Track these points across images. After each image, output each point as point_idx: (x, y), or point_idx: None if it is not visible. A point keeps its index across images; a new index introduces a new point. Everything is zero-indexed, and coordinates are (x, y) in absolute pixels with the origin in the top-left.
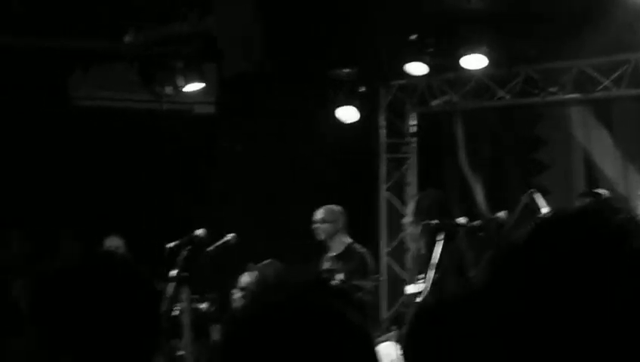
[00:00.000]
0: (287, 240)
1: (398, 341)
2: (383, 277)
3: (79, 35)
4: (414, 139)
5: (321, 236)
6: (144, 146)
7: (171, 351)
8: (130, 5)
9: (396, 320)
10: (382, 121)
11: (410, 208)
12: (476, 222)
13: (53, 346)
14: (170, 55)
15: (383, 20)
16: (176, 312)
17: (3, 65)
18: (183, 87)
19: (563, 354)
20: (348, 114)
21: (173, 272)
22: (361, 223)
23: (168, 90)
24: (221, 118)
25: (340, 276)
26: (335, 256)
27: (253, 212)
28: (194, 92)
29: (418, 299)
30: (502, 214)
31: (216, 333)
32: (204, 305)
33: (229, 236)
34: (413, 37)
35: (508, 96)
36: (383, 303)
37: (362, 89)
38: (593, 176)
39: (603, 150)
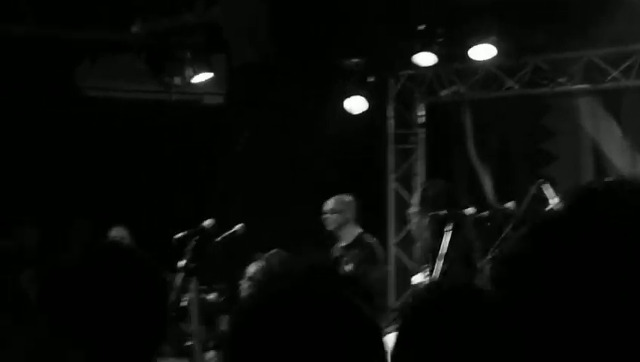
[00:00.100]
0: (295, 231)
1: (396, 329)
2: (391, 267)
3: (87, 25)
4: (422, 130)
5: (330, 226)
6: (153, 137)
7: (180, 341)
8: None
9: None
10: (390, 112)
11: (415, 198)
12: (484, 213)
13: (63, 335)
14: (178, 45)
15: (392, 10)
16: (184, 303)
17: (11, 55)
18: (192, 77)
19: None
20: (356, 104)
21: (182, 263)
22: (369, 214)
23: (177, 80)
24: (230, 109)
25: (349, 266)
26: (345, 246)
27: (262, 202)
28: (203, 82)
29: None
30: (510, 205)
31: (224, 324)
32: (212, 296)
33: (237, 226)
34: (422, 27)
35: (516, 87)
36: (391, 293)
37: (371, 79)
38: (601, 167)
39: (611, 141)
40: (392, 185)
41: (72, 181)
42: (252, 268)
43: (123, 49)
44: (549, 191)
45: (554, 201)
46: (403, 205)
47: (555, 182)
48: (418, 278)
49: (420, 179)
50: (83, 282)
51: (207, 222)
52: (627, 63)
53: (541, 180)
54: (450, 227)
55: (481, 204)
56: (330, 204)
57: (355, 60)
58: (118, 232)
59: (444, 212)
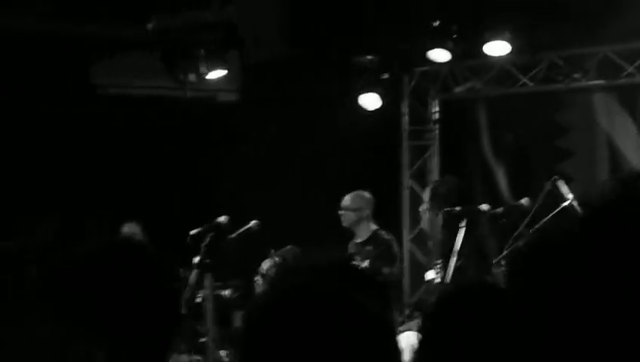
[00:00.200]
0: (310, 227)
1: (419, 330)
2: (405, 263)
3: (103, 22)
4: (437, 126)
5: (346, 223)
6: (167, 134)
7: (194, 337)
8: None
9: (418, 307)
10: (404, 108)
11: (426, 195)
12: (499, 209)
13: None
14: (193, 42)
15: (406, 7)
16: (199, 299)
17: (27, 53)
18: (206, 74)
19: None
20: (371, 101)
21: (196, 259)
22: (384, 210)
23: (191, 77)
24: (244, 106)
25: (364, 262)
26: (360, 242)
27: (276, 198)
28: (217, 79)
29: (437, 285)
30: (524, 201)
31: (239, 320)
32: (227, 292)
33: (252, 223)
34: (436, 24)
35: (531, 83)
36: (406, 289)
37: (385, 76)
38: (617, 163)
39: (627, 137)
40: (407, 182)
41: (87, 178)
42: (266, 265)
43: (138, 46)
44: (563, 187)
45: (569, 197)
46: (417, 201)
47: (570, 179)
48: (431, 274)
49: (434, 175)
50: (93, 279)
51: (222, 219)
52: None
53: (556, 176)
54: (464, 223)
55: (495, 200)
56: (347, 200)
57: (369, 57)
58: (130, 228)
59: (459, 208)
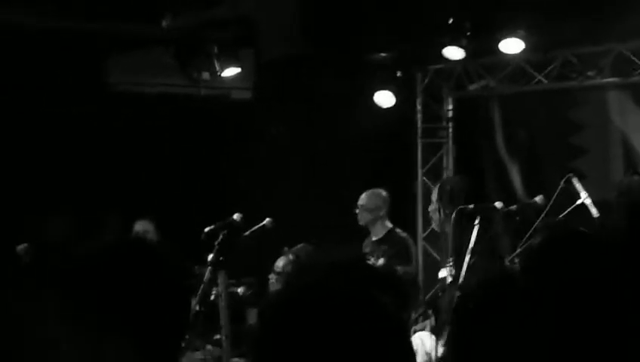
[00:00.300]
0: (323, 225)
1: (432, 331)
2: (420, 261)
3: (116, 19)
4: (451, 124)
5: (362, 221)
6: (181, 131)
7: (208, 334)
8: None
9: (431, 304)
10: (418, 106)
11: (434, 195)
12: (512, 207)
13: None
14: (206, 40)
15: (420, 5)
16: (213, 296)
17: (39, 49)
18: (220, 72)
19: None
20: (385, 98)
21: (210, 256)
22: (398, 208)
23: (205, 75)
24: (258, 104)
25: (380, 261)
26: (376, 240)
27: (290, 196)
28: (231, 77)
29: (450, 283)
30: (538, 199)
31: (253, 317)
32: (240, 289)
33: (266, 220)
34: (450, 21)
35: (545, 81)
36: (420, 287)
37: (399, 74)
38: (631, 160)
39: None
40: (421, 179)
41: (100, 175)
42: (280, 262)
43: (152, 43)
44: (577, 185)
45: (582, 195)
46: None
47: (584, 176)
48: (444, 273)
49: (448, 173)
50: (95, 278)
51: (236, 216)
52: None
53: (570, 174)
54: (477, 221)
55: (509, 198)
56: (363, 198)
57: (383, 55)
58: (143, 226)
59: (472, 206)
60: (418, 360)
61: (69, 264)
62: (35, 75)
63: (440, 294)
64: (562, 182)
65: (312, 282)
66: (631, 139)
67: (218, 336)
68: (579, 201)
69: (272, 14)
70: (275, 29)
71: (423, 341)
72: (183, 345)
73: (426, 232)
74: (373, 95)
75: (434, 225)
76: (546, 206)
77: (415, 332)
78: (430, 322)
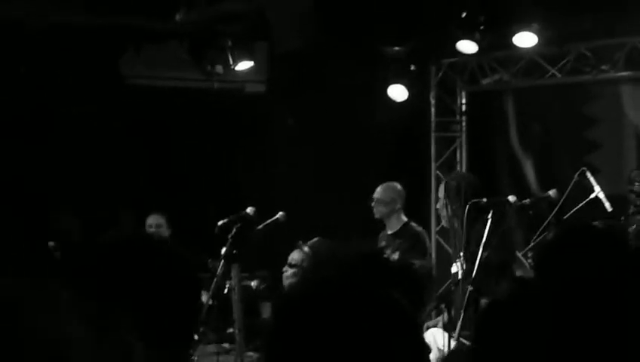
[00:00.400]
0: (337, 218)
1: (445, 327)
2: (433, 255)
3: (131, 13)
4: (464, 118)
5: (378, 214)
6: (195, 125)
7: (222, 327)
8: None
9: (445, 299)
10: (432, 100)
11: (441, 192)
12: (526, 201)
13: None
14: (220, 33)
15: None
16: (226, 290)
17: (55, 44)
18: (234, 65)
19: None
20: (399, 92)
21: (224, 250)
22: (411, 202)
23: (219, 68)
24: (272, 97)
25: (395, 254)
26: (391, 234)
27: (303, 189)
28: (245, 71)
29: (462, 278)
30: (552, 192)
31: (266, 311)
32: (254, 283)
33: (279, 214)
34: (464, 15)
35: (559, 75)
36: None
37: (412, 67)
38: None
39: None
40: (434, 173)
41: (114, 168)
42: (295, 255)
43: (166, 37)
44: (591, 178)
45: (596, 189)
46: None
47: (598, 170)
48: (455, 268)
49: (461, 167)
50: (111, 275)
51: (249, 210)
52: None
53: (584, 168)
54: (490, 215)
55: (523, 192)
56: (379, 191)
57: (397, 48)
58: (155, 220)
59: (485, 200)
60: (431, 356)
61: (78, 258)
62: (49, 70)
63: (453, 288)
64: (576, 176)
65: (328, 277)
66: None
67: (231, 330)
68: (592, 195)
69: (286, 7)
70: (289, 22)
71: (436, 337)
72: (196, 337)
73: (439, 226)
74: (386, 89)
75: (443, 222)
76: (560, 200)
77: (428, 328)
78: (443, 318)
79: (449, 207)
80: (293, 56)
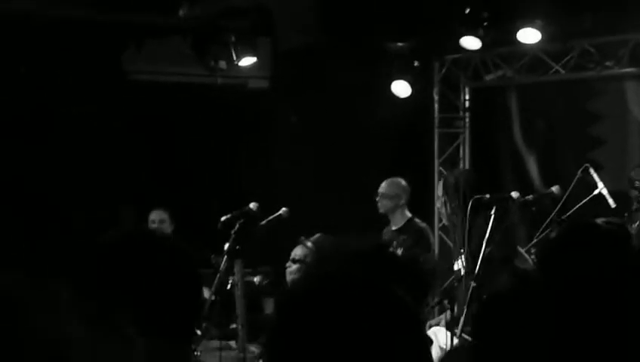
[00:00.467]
0: (340, 214)
1: (447, 326)
2: (436, 251)
3: (134, 8)
4: (468, 114)
5: (382, 209)
6: (198, 121)
7: (225, 323)
8: None
9: (448, 294)
10: (435, 96)
11: (439, 189)
12: (529, 197)
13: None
14: (223, 29)
15: None
16: (229, 285)
17: (58, 39)
18: (237, 61)
19: None
20: (402, 88)
21: (227, 245)
22: (414, 198)
23: (222, 64)
24: (275, 93)
25: (399, 250)
26: (395, 230)
27: (307, 185)
28: (248, 66)
29: (464, 275)
30: (555, 189)
31: (269, 307)
32: (257, 279)
33: (282, 210)
34: (467, 11)
35: (563, 71)
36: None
37: (416, 63)
38: None
39: None
40: (437, 169)
41: (117, 164)
42: (298, 251)
43: (169, 33)
44: (594, 175)
45: (599, 186)
46: None
47: (602, 167)
48: (457, 265)
49: (464, 163)
50: (113, 270)
51: (252, 205)
52: None
53: (587, 165)
54: (493, 211)
55: (526, 188)
56: (384, 186)
57: (400, 44)
58: (157, 215)
59: (488, 196)
60: (434, 353)
61: (78, 254)
62: (50, 66)
63: (456, 284)
64: (579, 173)
65: (331, 273)
66: None
67: (234, 325)
68: (596, 192)
69: (289, 3)
70: (292, 17)
71: (438, 336)
72: (199, 333)
73: (442, 222)
74: (390, 85)
75: (444, 220)
76: (563, 196)
77: (430, 327)
78: (446, 316)
79: (448, 204)
80: (296, 53)
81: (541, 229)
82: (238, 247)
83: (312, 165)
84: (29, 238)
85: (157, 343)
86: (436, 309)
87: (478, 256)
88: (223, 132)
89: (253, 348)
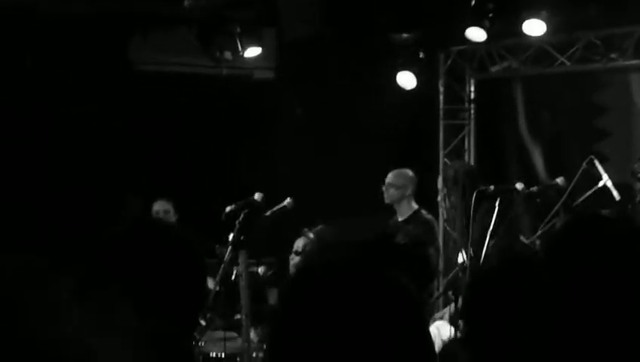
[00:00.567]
0: (345, 205)
1: (450, 320)
2: (440, 243)
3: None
4: (473, 106)
5: (388, 200)
6: (204, 111)
7: (229, 314)
8: None
9: (452, 286)
10: (440, 87)
11: (439, 183)
12: (533, 188)
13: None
14: (229, 19)
15: None
16: (233, 276)
17: (64, 30)
18: (242, 52)
19: None
20: (408, 80)
21: (231, 236)
22: (419, 189)
23: (227, 55)
24: (281, 84)
25: (405, 241)
26: (402, 220)
27: (311, 176)
28: (253, 57)
29: (467, 265)
30: (560, 180)
31: (273, 297)
32: (261, 269)
33: (286, 201)
34: (473, 2)
35: (568, 63)
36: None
37: (421, 55)
38: None
39: None
40: (442, 161)
41: (122, 154)
42: (300, 242)
43: (174, 23)
44: (599, 167)
45: (604, 177)
46: None
47: (607, 159)
48: (460, 257)
49: (470, 154)
50: (120, 260)
51: (257, 196)
52: None
53: (592, 156)
54: (497, 202)
55: (531, 180)
56: (391, 177)
57: (406, 36)
58: (161, 206)
59: (492, 187)
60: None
61: (82, 244)
62: (60, 54)
63: (460, 275)
64: (584, 164)
65: (332, 261)
66: None
67: (238, 316)
68: (600, 183)
69: None
70: (297, 8)
71: (440, 330)
72: (203, 323)
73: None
74: (395, 76)
75: (445, 214)
76: (568, 188)
77: (434, 321)
78: (450, 309)
79: (447, 198)
80: (301, 44)
81: (546, 221)
82: (242, 238)
83: (316, 156)
84: (36, 227)
85: (159, 332)
86: (441, 301)
87: (482, 248)
88: (228, 123)
89: (253, 335)
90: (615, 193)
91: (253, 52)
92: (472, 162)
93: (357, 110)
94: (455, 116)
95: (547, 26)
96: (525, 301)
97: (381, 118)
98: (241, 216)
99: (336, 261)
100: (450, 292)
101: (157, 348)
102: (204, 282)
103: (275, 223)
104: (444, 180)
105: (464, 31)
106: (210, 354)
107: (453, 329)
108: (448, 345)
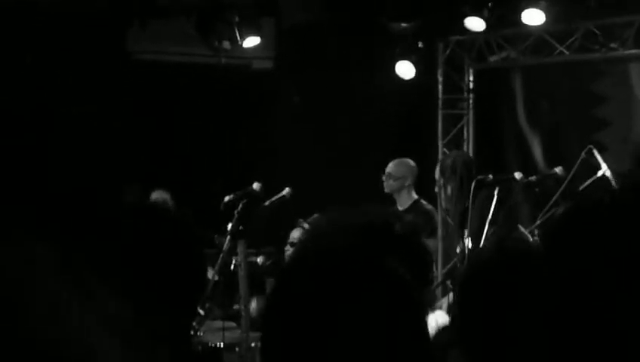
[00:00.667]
0: (343, 195)
1: (448, 309)
2: (439, 233)
3: None
4: (472, 95)
5: (388, 189)
6: (202, 101)
7: (227, 304)
8: None
9: (451, 275)
10: (439, 77)
11: (437, 173)
12: (532, 178)
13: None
14: (227, 8)
15: None
16: (232, 266)
17: (61, 18)
18: (241, 41)
19: None
20: (405, 69)
21: (230, 226)
22: (418, 179)
23: (226, 44)
24: (279, 73)
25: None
26: (402, 210)
27: (310, 166)
28: (252, 47)
29: (466, 254)
30: (558, 170)
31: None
32: (260, 259)
33: (285, 190)
34: None
35: (567, 52)
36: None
37: (420, 44)
38: None
39: None
40: (441, 151)
41: (120, 144)
42: (295, 233)
43: (173, 12)
44: (598, 156)
45: (603, 167)
46: None
47: (606, 149)
48: (459, 247)
49: (469, 144)
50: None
51: (256, 186)
52: None
53: (590, 146)
54: (496, 191)
55: (530, 169)
56: (391, 166)
57: (404, 25)
58: (159, 195)
59: (491, 176)
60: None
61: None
62: (57, 43)
63: (459, 265)
64: (583, 154)
65: (326, 248)
66: None
67: (237, 306)
68: (599, 173)
69: None
70: None
71: (438, 320)
72: (202, 313)
73: None
74: (393, 66)
75: (443, 203)
76: (566, 177)
77: (434, 310)
78: (448, 298)
79: (443, 189)
80: (300, 33)
81: (545, 210)
82: (241, 228)
83: (315, 146)
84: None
85: (157, 320)
86: (439, 290)
87: (480, 237)
88: (226, 112)
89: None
90: (614, 183)
91: (252, 42)
92: (470, 152)
93: (356, 100)
94: (454, 106)
95: (546, 16)
96: (523, 293)
97: (380, 108)
98: (240, 205)
99: (331, 249)
100: (448, 282)
101: (153, 337)
102: (205, 268)
103: (274, 213)
104: (442, 170)
105: (463, 20)
106: (209, 344)
107: (449, 318)
108: (436, 336)
